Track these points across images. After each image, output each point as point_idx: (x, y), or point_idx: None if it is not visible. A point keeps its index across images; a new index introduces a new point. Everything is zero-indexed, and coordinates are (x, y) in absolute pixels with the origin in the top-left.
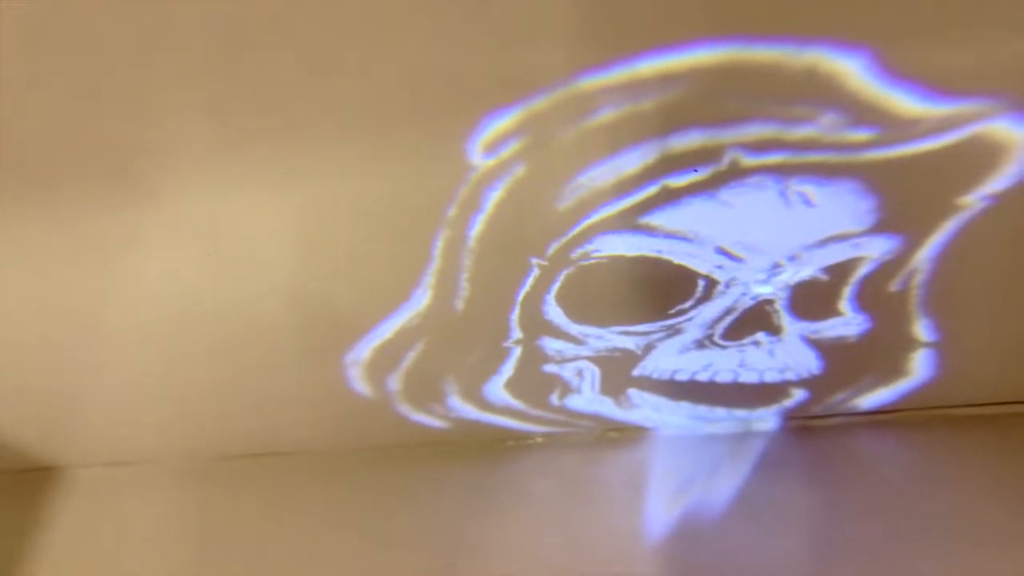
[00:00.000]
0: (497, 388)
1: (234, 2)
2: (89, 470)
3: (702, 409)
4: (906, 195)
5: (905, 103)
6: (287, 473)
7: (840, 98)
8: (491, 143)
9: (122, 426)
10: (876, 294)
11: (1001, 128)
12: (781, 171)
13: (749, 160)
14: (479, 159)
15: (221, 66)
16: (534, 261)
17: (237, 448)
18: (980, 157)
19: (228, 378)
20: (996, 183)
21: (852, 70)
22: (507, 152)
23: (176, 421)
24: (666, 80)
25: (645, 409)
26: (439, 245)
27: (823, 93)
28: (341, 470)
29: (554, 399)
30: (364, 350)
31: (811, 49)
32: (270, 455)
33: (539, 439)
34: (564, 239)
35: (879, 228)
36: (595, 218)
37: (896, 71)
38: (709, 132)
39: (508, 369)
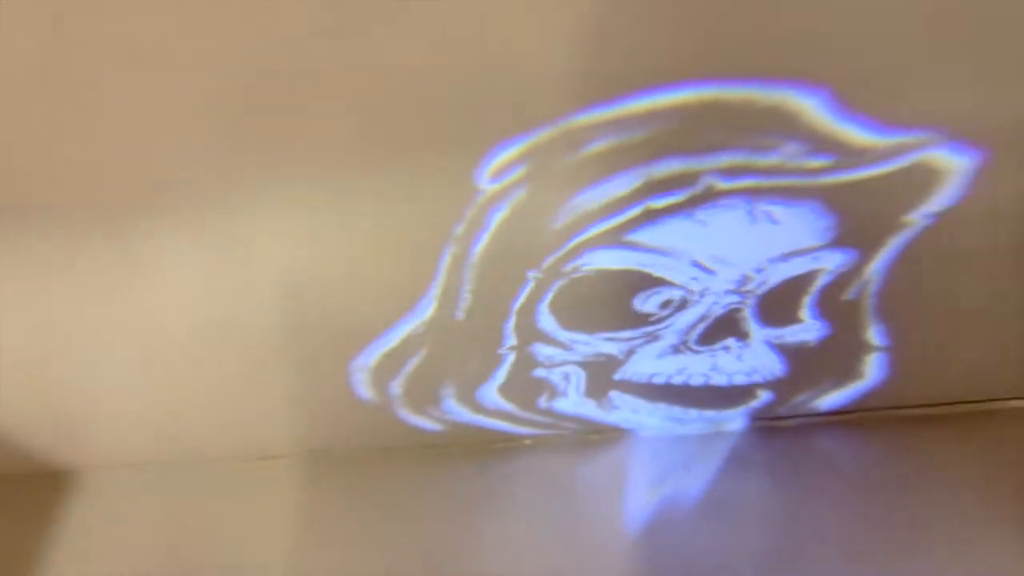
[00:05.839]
0: (491, 392)
1: (263, 36)
2: (100, 473)
3: (676, 411)
4: (859, 214)
5: (856, 135)
6: (290, 474)
7: (801, 130)
8: (498, 170)
9: (132, 430)
10: (833, 302)
11: (939, 156)
12: (750, 194)
13: (722, 184)
14: (486, 184)
15: (253, 100)
16: (530, 274)
17: (244, 451)
18: (922, 181)
19: (238, 385)
20: (936, 203)
21: (812, 107)
22: (511, 178)
23: (187, 425)
24: (651, 116)
25: (624, 411)
26: (446, 260)
27: (787, 126)
28: (342, 471)
29: (542, 402)
30: (371, 356)
31: (778, 89)
32: (275, 458)
33: (527, 441)
34: (558, 254)
35: (835, 243)
36: (585, 235)
37: (849, 108)
38: (687, 160)
39: (502, 374)
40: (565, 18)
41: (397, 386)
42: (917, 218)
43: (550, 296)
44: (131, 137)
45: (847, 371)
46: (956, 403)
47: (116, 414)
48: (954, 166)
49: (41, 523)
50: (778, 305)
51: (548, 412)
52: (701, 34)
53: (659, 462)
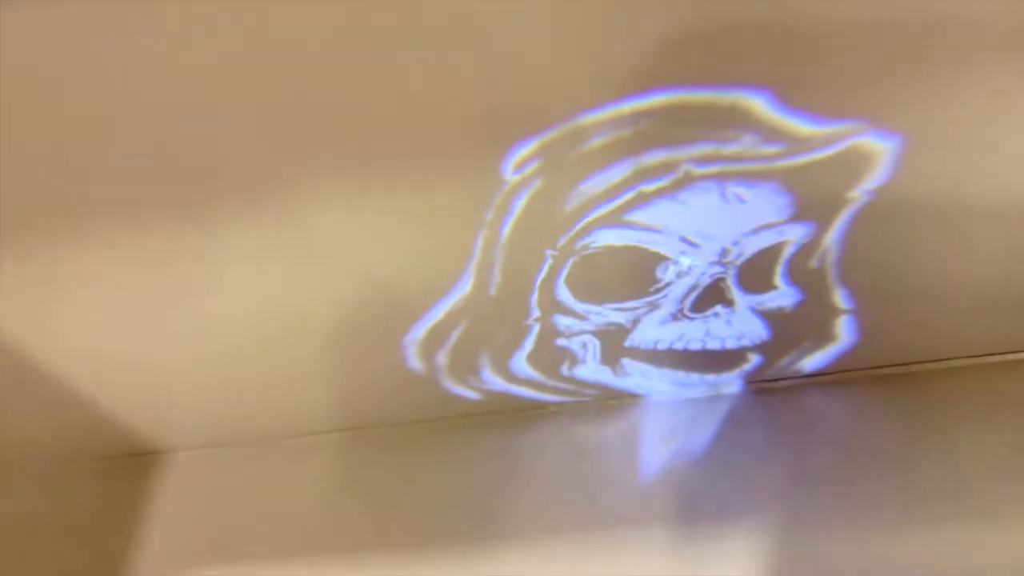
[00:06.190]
0: (521, 361)
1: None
2: (184, 453)
3: (680, 375)
4: (810, 192)
5: (799, 126)
6: (349, 447)
7: (755, 124)
8: (518, 163)
9: (209, 413)
10: (801, 270)
11: (867, 142)
12: (720, 177)
13: (697, 170)
14: (510, 175)
15: (319, 107)
16: (548, 252)
17: (308, 428)
18: (857, 163)
19: (307, 367)
20: (872, 181)
21: (761, 105)
22: (530, 170)
23: (259, 406)
24: (638, 115)
25: (636, 377)
26: (480, 242)
27: (743, 121)
28: (393, 443)
29: (565, 370)
30: (420, 330)
31: (732, 91)
32: (335, 432)
33: (553, 408)
34: (570, 234)
35: (795, 218)
36: (592, 217)
37: (788, 105)
38: (668, 151)
39: (529, 344)
40: (568, 44)
41: (442, 357)
42: (858, 194)
43: (566, 271)
44: (216, 142)
45: (822, 333)
46: (920, 362)
47: (196, 398)
48: (880, 149)
49: (139, 501)
50: (755, 274)
51: (570, 379)
52: (667, 50)
53: (668, 423)
